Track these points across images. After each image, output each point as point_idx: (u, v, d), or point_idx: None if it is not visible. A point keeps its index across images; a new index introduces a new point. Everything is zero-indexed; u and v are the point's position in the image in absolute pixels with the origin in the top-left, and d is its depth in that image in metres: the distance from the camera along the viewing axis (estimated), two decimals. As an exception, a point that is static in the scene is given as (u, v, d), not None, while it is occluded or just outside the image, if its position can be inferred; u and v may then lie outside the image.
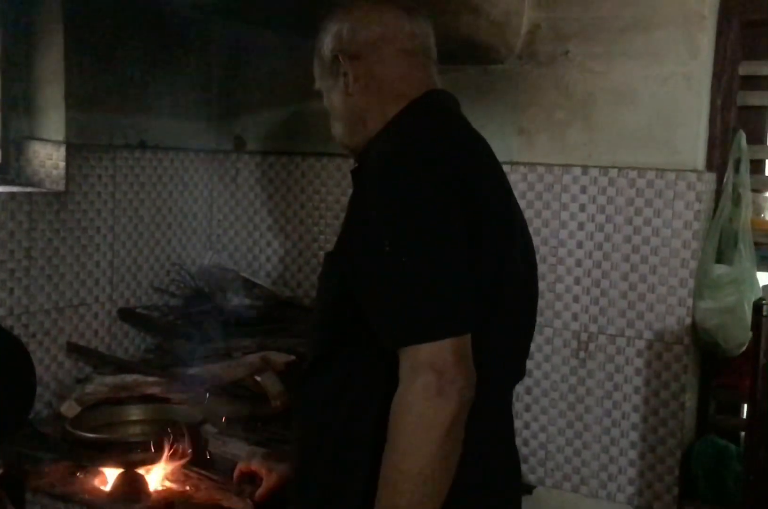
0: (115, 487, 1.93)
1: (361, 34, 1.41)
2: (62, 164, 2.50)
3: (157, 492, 1.97)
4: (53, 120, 2.53)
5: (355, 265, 1.28)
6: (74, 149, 2.52)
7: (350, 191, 2.93)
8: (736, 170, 2.35)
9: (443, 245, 1.21)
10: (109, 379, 2.39)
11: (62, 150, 2.50)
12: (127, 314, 2.70)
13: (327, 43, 1.44)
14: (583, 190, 2.46)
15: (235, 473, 1.74)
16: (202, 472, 2.05)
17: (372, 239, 1.24)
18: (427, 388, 1.15)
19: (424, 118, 1.37)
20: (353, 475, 1.29)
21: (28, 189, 2.46)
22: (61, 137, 2.51)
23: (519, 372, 1.51)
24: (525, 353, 1.52)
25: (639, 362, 2.42)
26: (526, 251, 1.47)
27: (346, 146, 1.49)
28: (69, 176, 2.51)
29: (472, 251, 1.25)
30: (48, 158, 2.52)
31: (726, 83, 2.41)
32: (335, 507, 1.33)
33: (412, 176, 1.25)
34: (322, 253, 2.91)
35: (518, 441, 2.15)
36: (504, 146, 2.44)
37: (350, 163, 2.84)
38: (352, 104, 1.42)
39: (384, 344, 1.22)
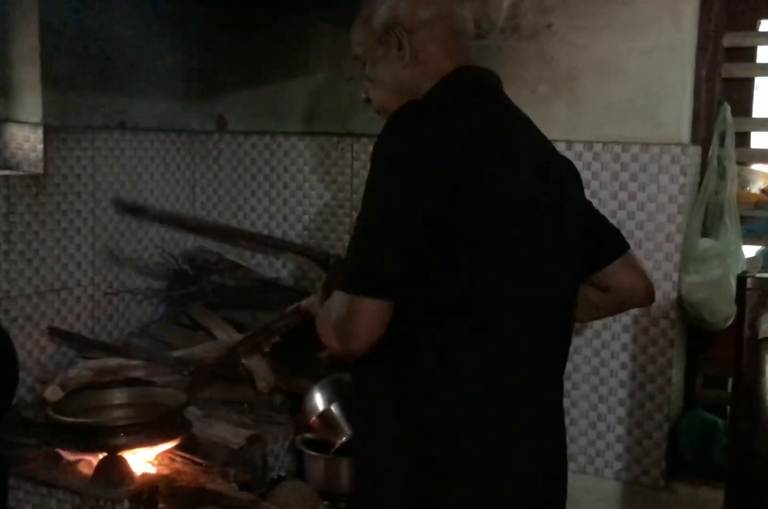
0: (99, 472, 1.91)
1: (420, 11, 1.49)
2: (40, 147, 2.46)
3: (141, 476, 1.96)
4: (30, 101, 2.48)
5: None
6: (52, 131, 2.48)
7: (333, 170, 2.91)
8: (721, 142, 2.33)
9: (399, 217, 1.33)
10: (93, 363, 2.37)
11: (40, 132, 2.46)
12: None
13: (381, 13, 1.50)
14: (568, 165, 2.43)
15: None
16: (187, 456, 2.04)
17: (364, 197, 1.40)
18: (333, 324, 1.35)
19: (445, 97, 1.46)
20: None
21: (6, 172, 2.42)
22: (38, 118, 2.47)
23: (539, 356, 1.47)
24: (545, 337, 1.48)
25: (625, 338, 2.41)
26: (557, 233, 1.47)
27: (386, 112, 1.53)
28: (47, 159, 2.47)
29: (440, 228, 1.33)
30: (25, 140, 2.48)
31: (710, 55, 2.38)
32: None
33: (402, 150, 1.35)
34: (306, 233, 2.89)
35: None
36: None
37: (333, 142, 2.83)
38: (403, 76, 1.50)
39: None
